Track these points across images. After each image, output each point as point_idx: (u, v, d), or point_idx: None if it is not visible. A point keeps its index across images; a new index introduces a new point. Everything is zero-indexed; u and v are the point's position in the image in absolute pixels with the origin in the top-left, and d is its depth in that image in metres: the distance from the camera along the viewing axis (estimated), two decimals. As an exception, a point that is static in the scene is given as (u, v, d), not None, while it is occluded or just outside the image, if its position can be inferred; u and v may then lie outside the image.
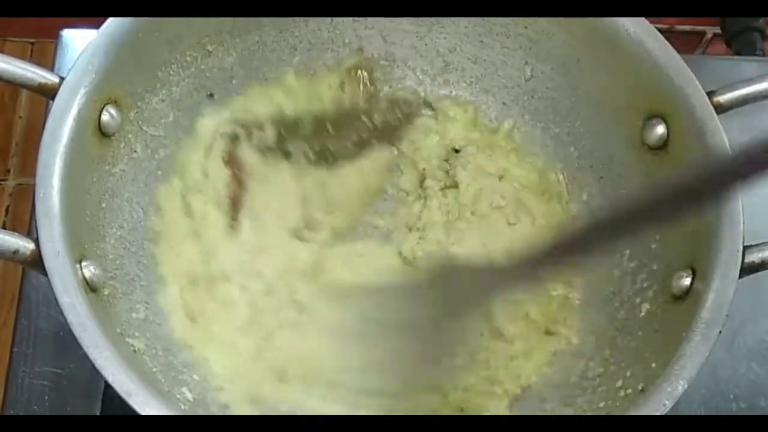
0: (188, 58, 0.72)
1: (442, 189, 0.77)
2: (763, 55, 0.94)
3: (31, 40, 1.02)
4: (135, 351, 0.62)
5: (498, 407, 0.70)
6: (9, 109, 0.99)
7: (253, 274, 0.73)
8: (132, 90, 0.68)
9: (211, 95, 0.75)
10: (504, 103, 0.79)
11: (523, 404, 0.70)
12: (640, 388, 0.61)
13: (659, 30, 0.68)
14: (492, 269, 0.65)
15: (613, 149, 0.74)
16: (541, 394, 0.70)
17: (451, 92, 0.80)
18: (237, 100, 0.75)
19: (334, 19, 0.77)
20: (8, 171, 0.97)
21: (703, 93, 0.66)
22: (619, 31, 0.69)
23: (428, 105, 0.80)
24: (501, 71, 0.78)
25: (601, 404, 0.64)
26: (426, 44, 0.79)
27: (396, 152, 0.79)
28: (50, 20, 0.84)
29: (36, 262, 0.57)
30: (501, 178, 0.78)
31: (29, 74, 0.62)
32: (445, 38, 0.78)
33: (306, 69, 0.78)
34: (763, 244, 0.62)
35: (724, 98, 0.66)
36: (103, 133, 0.65)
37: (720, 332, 0.59)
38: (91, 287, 0.60)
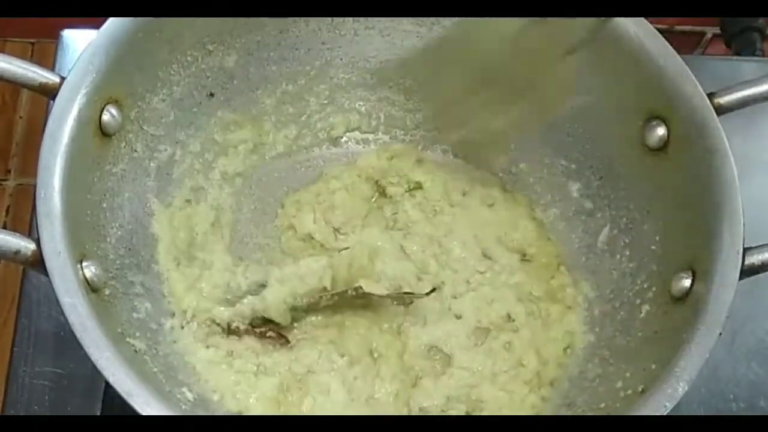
0: (189, 58, 0.72)
1: (408, 191, 0.78)
2: (763, 55, 0.94)
3: (32, 40, 1.02)
4: (136, 351, 0.62)
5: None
6: (10, 109, 0.99)
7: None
8: (132, 90, 0.68)
9: (212, 95, 0.75)
10: (504, 104, 0.80)
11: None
12: (640, 389, 0.61)
13: (659, 30, 0.69)
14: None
15: (614, 150, 0.74)
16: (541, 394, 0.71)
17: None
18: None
19: (335, 19, 0.77)
20: (9, 171, 0.97)
21: (704, 94, 0.66)
22: (619, 31, 0.69)
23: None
24: (501, 71, 0.78)
25: (601, 404, 0.64)
26: (426, 44, 0.79)
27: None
28: (51, 20, 0.84)
29: (37, 262, 0.58)
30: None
31: (30, 74, 0.62)
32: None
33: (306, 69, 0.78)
34: (763, 246, 0.62)
35: (724, 100, 0.66)
36: (103, 132, 0.65)
37: (720, 333, 0.60)
38: (91, 287, 0.60)
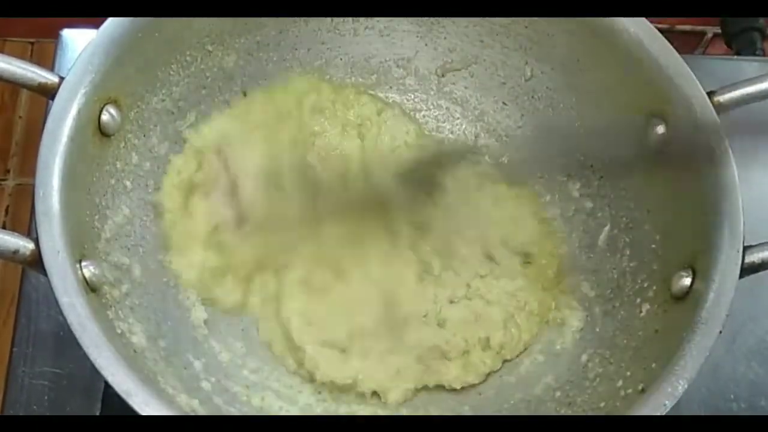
0: (188, 58, 0.72)
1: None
2: (763, 55, 0.94)
3: (31, 40, 1.02)
4: (135, 351, 0.62)
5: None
6: (9, 108, 0.99)
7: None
8: (132, 90, 0.68)
9: (212, 95, 0.75)
10: (504, 103, 0.80)
11: (523, 404, 0.70)
12: (640, 388, 0.61)
13: (659, 30, 0.68)
14: None
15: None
16: (541, 395, 0.70)
17: (450, 93, 0.81)
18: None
19: (335, 19, 0.77)
20: (8, 171, 0.97)
21: (704, 93, 0.66)
22: (619, 31, 0.69)
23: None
24: (501, 71, 0.78)
25: (601, 404, 0.64)
26: (426, 44, 0.79)
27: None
28: (50, 20, 0.84)
29: (36, 262, 0.57)
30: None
31: (29, 74, 0.62)
32: (445, 38, 0.78)
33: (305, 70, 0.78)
34: (764, 244, 0.62)
35: (724, 98, 0.66)
36: (103, 132, 0.65)
37: (720, 332, 0.60)
38: (91, 287, 0.60)
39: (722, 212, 0.62)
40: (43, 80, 0.62)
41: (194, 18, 0.69)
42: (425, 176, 0.78)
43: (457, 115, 0.81)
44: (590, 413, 0.65)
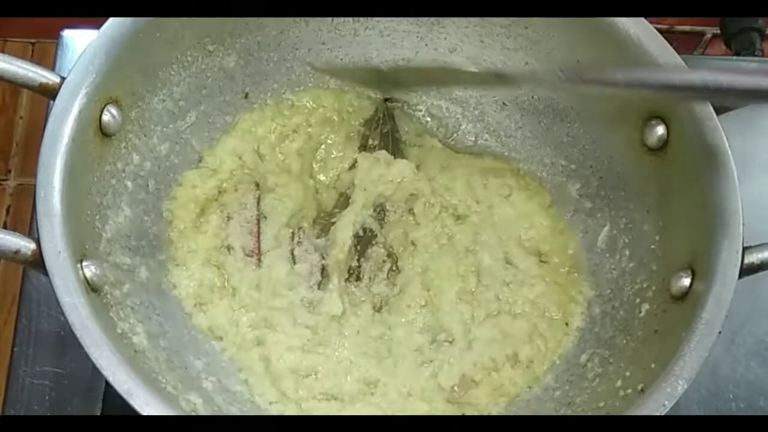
0: (189, 58, 0.72)
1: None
2: (763, 55, 0.94)
3: (32, 41, 1.01)
4: (136, 351, 0.62)
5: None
6: (10, 109, 0.99)
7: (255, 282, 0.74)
8: (133, 90, 0.68)
9: (212, 95, 0.75)
10: (504, 103, 0.80)
11: (523, 404, 0.70)
12: (639, 388, 0.61)
13: (659, 30, 0.69)
14: None
15: (613, 150, 0.74)
16: (541, 395, 0.71)
17: (450, 93, 0.81)
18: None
19: (335, 19, 0.77)
20: (9, 171, 0.97)
21: (703, 93, 0.66)
22: (619, 31, 0.69)
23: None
24: (501, 71, 0.78)
25: (601, 404, 0.65)
26: (426, 44, 0.79)
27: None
28: (51, 20, 0.84)
29: (37, 262, 0.58)
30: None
31: (30, 74, 0.62)
32: (445, 38, 0.78)
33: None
34: (763, 245, 0.62)
35: (723, 98, 0.66)
36: (104, 132, 0.65)
37: (719, 333, 0.60)
38: (92, 287, 0.60)
39: (722, 212, 0.62)
40: (44, 80, 0.62)
41: (194, 18, 0.70)
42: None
43: (458, 115, 0.81)
44: (590, 413, 0.65)
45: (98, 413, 0.71)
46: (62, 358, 0.72)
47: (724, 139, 0.64)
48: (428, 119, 0.81)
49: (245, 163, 0.76)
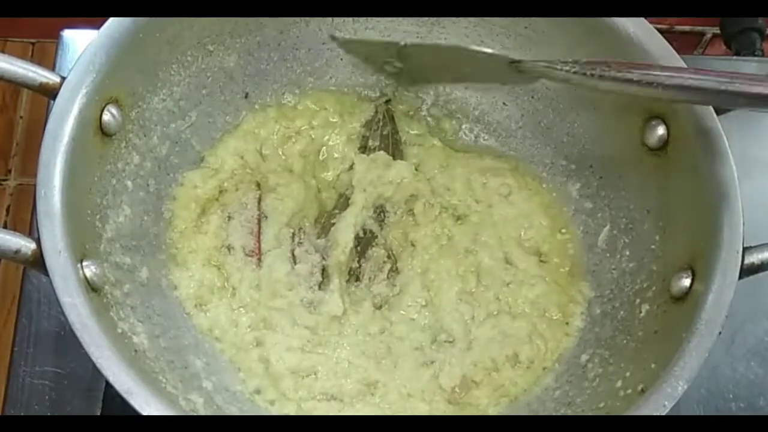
0: (189, 58, 0.72)
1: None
2: (763, 55, 0.94)
3: (32, 40, 1.01)
4: (136, 351, 0.62)
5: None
6: (10, 108, 0.99)
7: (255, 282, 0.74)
8: (133, 90, 0.68)
9: (212, 95, 0.75)
10: (504, 103, 0.80)
11: (523, 404, 0.70)
12: (639, 388, 0.61)
13: (659, 30, 0.69)
14: None
15: (613, 150, 0.74)
16: (540, 395, 0.71)
17: (450, 93, 0.81)
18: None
19: (335, 19, 0.77)
20: (9, 171, 0.97)
21: (703, 93, 0.66)
22: (619, 31, 0.69)
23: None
24: (501, 71, 0.78)
25: (601, 404, 0.65)
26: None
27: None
28: (51, 20, 0.84)
29: (37, 261, 0.58)
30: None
31: (30, 74, 0.62)
32: (445, 38, 0.78)
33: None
34: (763, 245, 0.62)
35: (723, 98, 0.66)
36: (104, 132, 0.65)
37: (719, 333, 0.60)
38: (92, 287, 0.60)
39: (722, 213, 0.62)
40: (44, 80, 0.62)
41: (194, 18, 0.70)
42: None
43: (458, 115, 0.81)
44: (590, 413, 0.65)
45: (98, 413, 0.71)
46: (62, 358, 0.72)
47: (724, 139, 0.64)
48: (428, 119, 0.81)
49: (247, 162, 0.76)
